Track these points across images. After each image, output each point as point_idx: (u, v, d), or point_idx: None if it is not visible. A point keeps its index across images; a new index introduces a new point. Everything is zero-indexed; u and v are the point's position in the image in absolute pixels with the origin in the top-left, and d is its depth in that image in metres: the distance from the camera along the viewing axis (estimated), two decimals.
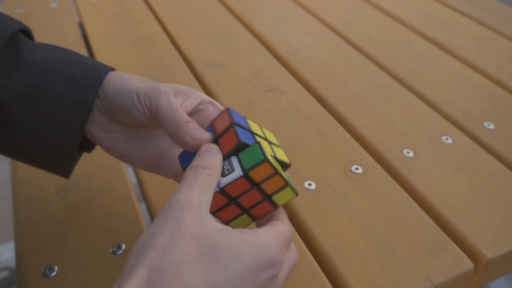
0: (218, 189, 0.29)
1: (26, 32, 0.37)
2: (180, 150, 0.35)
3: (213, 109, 0.35)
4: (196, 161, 0.29)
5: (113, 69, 0.36)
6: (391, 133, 0.53)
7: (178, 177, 0.36)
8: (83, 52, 0.66)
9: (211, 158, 0.29)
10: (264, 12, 0.80)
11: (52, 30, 0.71)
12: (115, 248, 0.38)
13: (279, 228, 0.28)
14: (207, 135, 0.31)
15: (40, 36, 0.69)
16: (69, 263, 0.37)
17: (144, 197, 0.44)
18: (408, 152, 0.50)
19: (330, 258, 0.38)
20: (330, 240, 0.40)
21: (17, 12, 0.75)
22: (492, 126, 0.55)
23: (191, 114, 0.34)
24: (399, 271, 0.37)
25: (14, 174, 0.46)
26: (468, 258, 0.39)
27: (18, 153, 0.36)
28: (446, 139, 0.52)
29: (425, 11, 0.84)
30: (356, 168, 0.47)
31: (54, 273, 0.36)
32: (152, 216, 0.43)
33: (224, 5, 0.83)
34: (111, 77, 0.34)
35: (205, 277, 0.23)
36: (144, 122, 0.33)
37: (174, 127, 0.31)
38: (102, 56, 0.65)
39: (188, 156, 0.31)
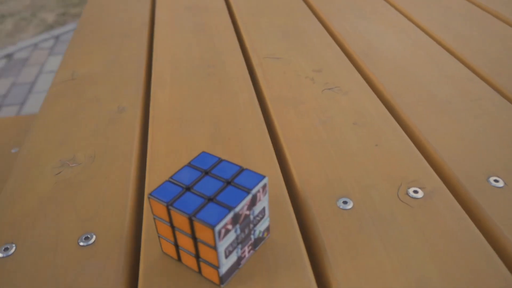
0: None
1: None
2: None
3: None
4: None
5: None
6: (475, 154, 0.39)
7: None
8: (144, 34, 0.63)
9: None
10: (345, 8, 0.70)
11: (123, 10, 0.70)
12: (83, 239, 0.31)
13: None
14: None
15: (111, 16, 0.68)
16: (30, 246, 0.31)
17: (140, 194, 0.38)
18: (496, 181, 0.36)
19: None
20: (353, 281, 0.29)
21: None
22: None
23: None
24: None
25: (24, 143, 0.42)
26: None
27: None
28: None
29: None
30: (415, 192, 0.35)
31: (10, 253, 0.31)
32: (141, 215, 0.36)
33: (304, 1, 0.75)
34: None
35: None
36: None
37: None
38: (159, 40, 0.61)
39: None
